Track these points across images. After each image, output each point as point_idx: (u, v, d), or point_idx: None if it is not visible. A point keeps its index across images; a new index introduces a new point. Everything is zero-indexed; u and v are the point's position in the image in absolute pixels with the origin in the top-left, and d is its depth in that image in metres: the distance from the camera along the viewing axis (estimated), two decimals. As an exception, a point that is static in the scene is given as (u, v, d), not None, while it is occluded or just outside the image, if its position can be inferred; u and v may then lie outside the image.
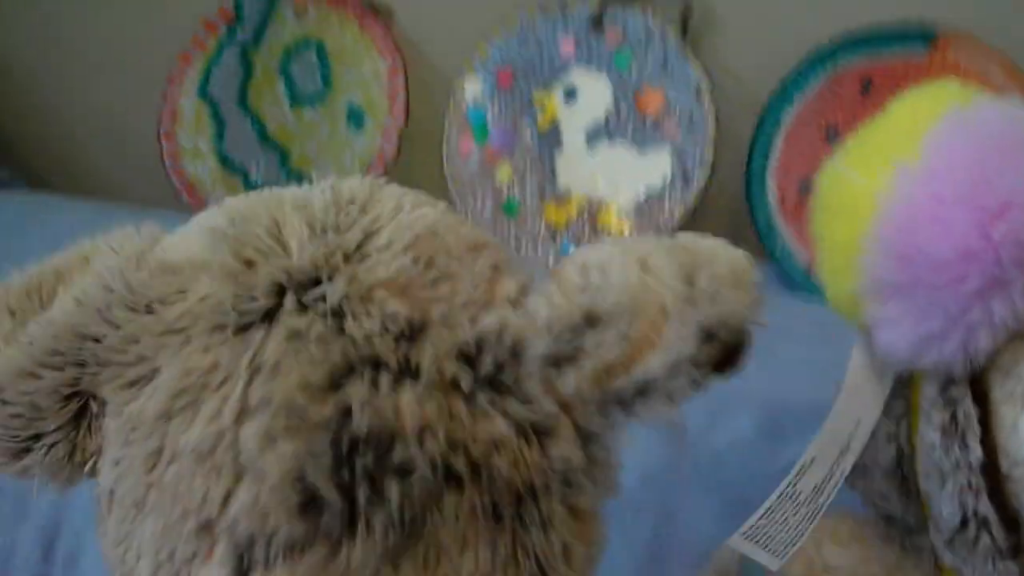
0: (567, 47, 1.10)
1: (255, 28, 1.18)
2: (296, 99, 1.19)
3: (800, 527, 0.45)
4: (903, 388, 0.46)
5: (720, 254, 0.36)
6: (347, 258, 0.36)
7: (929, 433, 0.43)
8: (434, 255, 0.37)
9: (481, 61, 1.13)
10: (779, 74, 1.05)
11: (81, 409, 0.38)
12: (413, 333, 0.35)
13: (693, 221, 1.09)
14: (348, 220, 0.37)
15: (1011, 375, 0.43)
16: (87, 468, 0.40)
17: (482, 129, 1.12)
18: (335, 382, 0.33)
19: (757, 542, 0.45)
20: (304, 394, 0.33)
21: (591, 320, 0.34)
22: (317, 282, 0.35)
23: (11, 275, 0.42)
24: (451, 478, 0.34)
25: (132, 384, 0.37)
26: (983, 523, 0.44)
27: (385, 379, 0.34)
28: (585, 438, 0.35)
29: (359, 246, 0.36)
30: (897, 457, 0.47)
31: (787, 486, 0.45)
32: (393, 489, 0.33)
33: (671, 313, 0.34)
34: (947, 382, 0.43)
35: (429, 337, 0.35)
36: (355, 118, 1.16)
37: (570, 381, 0.34)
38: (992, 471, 0.44)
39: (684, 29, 1.06)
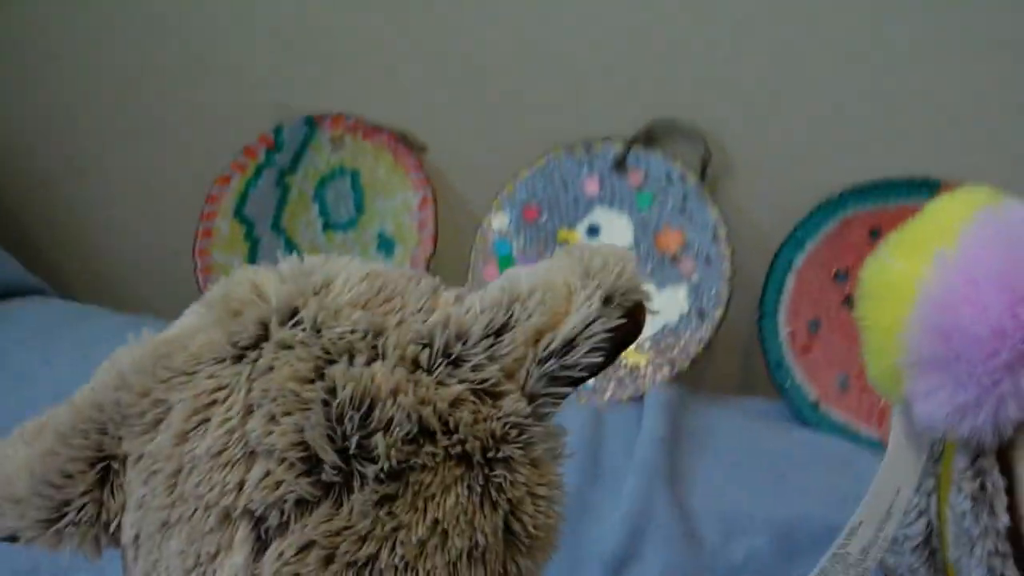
0: (591, 186, 1.16)
1: (293, 154, 1.25)
2: (329, 224, 1.26)
3: (850, 586, 0.48)
4: (933, 465, 0.50)
5: (599, 246, 0.45)
6: (315, 292, 0.44)
7: (960, 502, 0.48)
8: (383, 284, 0.45)
9: (508, 196, 1.19)
10: (792, 219, 1.11)
11: (104, 474, 0.44)
12: (377, 334, 0.42)
13: (707, 356, 1.14)
14: (310, 270, 0.45)
15: (1034, 452, 0.47)
16: (112, 528, 0.45)
17: (507, 259, 1.18)
18: (319, 371, 0.40)
19: None
20: (295, 382, 0.40)
21: (514, 299, 0.43)
22: (294, 312, 0.43)
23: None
24: (424, 431, 0.40)
25: (150, 427, 0.43)
26: (1010, 587, 0.47)
27: (359, 359, 0.41)
28: (530, 397, 0.42)
29: (324, 283, 0.44)
30: (927, 532, 0.51)
31: (838, 548, 0.49)
32: (379, 442, 0.39)
33: (575, 286, 0.43)
34: (977, 454, 0.47)
35: (390, 334, 0.42)
36: (385, 245, 1.22)
37: (507, 346, 0.42)
38: (1017, 541, 0.48)
39: (703, 174, 1.13)
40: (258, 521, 0.39)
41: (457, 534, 0.40)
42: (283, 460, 0.39)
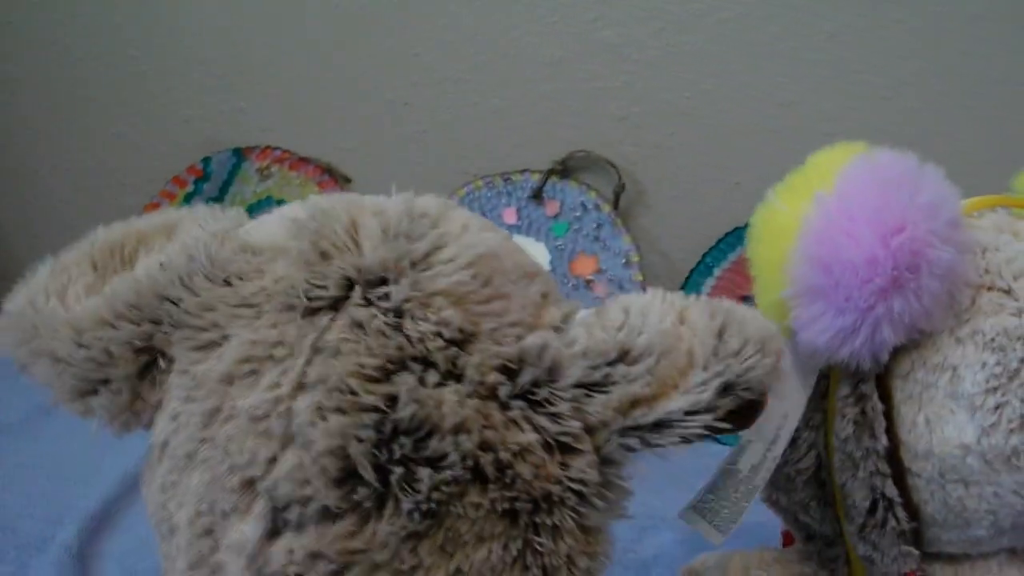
0: (509, 216, 1.20)
1: (221, 184, 1.28)
2: (254, 253, 1.27)
3: (739, 504, 0.52)
4: (820, 400, 0.54)
5: (751, 319, 0.39)
6: (413, 264, 0.39)
7: (844, 427, 0.51)
8: (492, 275, 0.40)
9: (430, 226, 1.22)
10: (701, 247, 1.16)
11: (149, 363, 0.42)
12: (463, 341, 0.38)
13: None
14: (419, 231, 0.40)
15: (909, 379, 0.52)
16: (144, 418, 0.43)
17: (427, 286, 1.20)
18: (387, 373, 0.36)
19: (704, 516, 0.52)
20: (357, 378, 0.36)
21: (624, 354, 0.38)
22: (383, 282, 0.38)
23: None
24: (477, 476, 0.36)
25: (202, 347, 0.40)
26: (889, 505, 0.51)
27: (432, 377, 0.37)
28: (603, 461, 0.38)
29: (426, 255, 0.39)
30: (816, 465, 0.55)
31: (728, 464, 0.52)
32: (425, 476, 0.35)
33: (698, 362, 0.37)
34: (857, 381, 0.51)
35: (477, 347, 0.38)
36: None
37: (597, 406, 0.37)
38: (896, 467, 0.52)
39: (616, 203, 1.18)
40: (279, 508, 0.37)
41: None
42: (318, 461, 0.36)
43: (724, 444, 0.53)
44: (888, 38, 1.09)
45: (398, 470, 0.35)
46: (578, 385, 0.37)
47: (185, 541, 0.39)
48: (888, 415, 0.51)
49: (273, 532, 0.37)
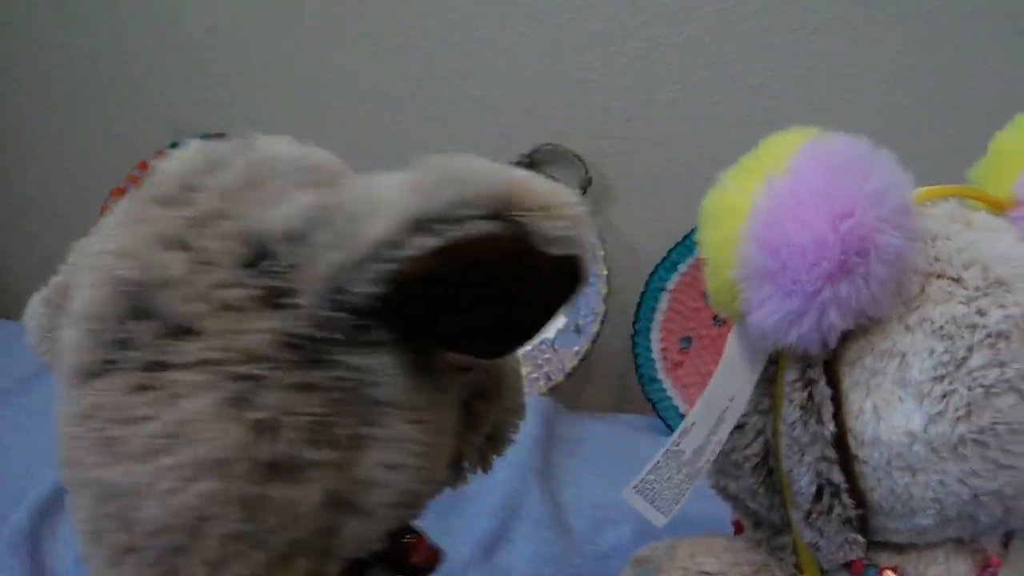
0: (477, 208, 1.20)
1: (187, 171, 1.27)
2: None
3: (682, 486, 0.51)
4: (769, 386, 0.54)
5: (470, 161, 0.38)
6: (207, 171, 0.43)
7: (791, 412, 0.51)
8: (267, 173, 0.42)
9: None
10: (667, 242, 1.16)
11: None
12: (207, 220, 0.41)
13: (582, 369, 1.17)
14: (224, 147, 0.45)
15: (857, 366, 0.51)
16: None
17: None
18: (138, 249, 0.41)
19: (646, 497, 0.51)
20: (114, 256, 0.41)
21: (325, 208, 0.40)
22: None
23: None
24: (186, 331, 0.39)
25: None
26: (836, 492, 0.51)
27: (171, 244, 0.41)
28: (314, 320, 0.39)
29: (221, 165, 0.44)
30: (764, 451, 0.55)
31: (671, 445, 0.52)
32: (142, 331, 0.39)
33: (395, 204, 0.37)
34: (805, 366, 0.51)
35: (216, 222, 0.41)
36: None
37: (298, 255, 0.39)
38: (843, 453, 0.52)
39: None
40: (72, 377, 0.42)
41: (197, 440, 0.38)
42: (79, 327, 0.41)
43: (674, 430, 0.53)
44: (879, 32, 1.09)
45: (130, 326, 0.40)
46: (287, 240, 0.39)
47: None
48: (836, 401, 0.51)
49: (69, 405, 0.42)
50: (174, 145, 1.27)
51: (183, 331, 0.39)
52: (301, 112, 1.27)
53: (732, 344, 0.52)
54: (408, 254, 0.36)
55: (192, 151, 0.45)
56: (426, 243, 0.36)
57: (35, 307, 0.51)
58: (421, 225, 0.36)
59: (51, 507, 0.88)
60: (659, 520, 0.51)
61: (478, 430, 0.50)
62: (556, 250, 0.37)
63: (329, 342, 0.39)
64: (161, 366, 0.39)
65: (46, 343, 0.50)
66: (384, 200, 0.38)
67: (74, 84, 1.33)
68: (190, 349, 0.39)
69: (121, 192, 1.27)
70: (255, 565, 0.41)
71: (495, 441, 0.52)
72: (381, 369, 0.41)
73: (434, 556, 0.50)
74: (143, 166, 1.28)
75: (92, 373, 0.40)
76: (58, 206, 1.41)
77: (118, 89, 1.31)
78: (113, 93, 1.31)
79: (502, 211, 0.36)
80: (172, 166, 0.45)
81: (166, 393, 0.39)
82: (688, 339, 1.16)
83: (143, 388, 0.39)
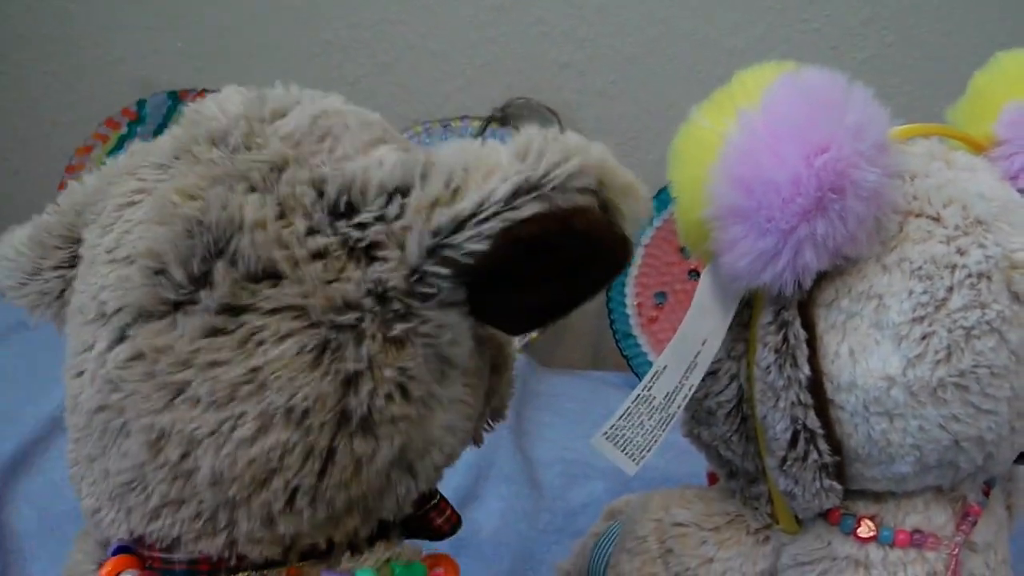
0: (448, 163, 1.18)
1: (156, 127, 1.25)
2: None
3: (654, 432, 0.50)
4: (743, 330, 0.52)
5: (566, 136, 0.39)
6: (262, 120, 0.42)
7: (765, 356, 0.50)
8: (331, 124, 0.42)
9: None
10: (641, 196, 1.14)
11: (76, 255, 0.46)
12: (283, 166, 0.40)
13: (558, 325, 1.15)
14: (275, 98, 0.44)
15: (832, 308, 0.50)
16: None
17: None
18: (205, 190, 0.40)
19: (616, 444, 0.50)
20: (179, 195, 0.40)
21: (427, 165, 0.39)
22: (228, 135, 0.42)
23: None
24: (272, 275, 0.38)
25: (96, 218, 0.44)
26: (811, 438, 0.49)
27: (242, 186, 0.39)
28: (412, 272, 0.39)
29: (275, 114, 0.43)
30: (738, 397, 0.53)
31: (642, 390, 0.50)
32: (220, 272, 0.38)
33: (502, 165, 0.38)
34: (780, 308, 0.49)
35: (293, 169, 0.40)
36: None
37: (396, 208, 0.38)
38: (819, 398, 0.50)
39: (557, 151, 1.15)
40: (116, 321, 0.40)
41: (276, 388, 0.38)
42: (139, 266, 0.39)
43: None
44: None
45: (196, 267, 0.38)
46: (380, 194, 0.39)
47: (66, 388, 0.43)
48: (811, 344, 0.49)
49: (111, 349, 0.40)
50: (141, 102, 1.24)
51: (265, 275, 0.38)
52: (264, 65, 1.25)
53: (704, 286, 0.50)
54: (517, 215, 0.37)
55: (238, 96, 0.44)
56: (534, 207, 0.37)
57: (15, 247, 0.48)
58: (530, 189, 0.37)
59: (15, 465, 0.87)
60: (630, 468, 0.50)
61: (488, 402, 0.50)
62: (626, 230, 0.39)
63: (420, 297, 0.39)
64: (239, 310, 0.38)
65: (32, 286, 0.47)
66: (487, 162, 0.38)
67: (42, 40, 1.29)
68: (273, 294, 0.38)
69: (88, 150, 1.24)
70: (310, 522, 0.41)
71: (493, 414, 0.52)
72: (458, 329, 0.41)
73: (456, 519, 0.50)
74: (110, 123, 1.25)
75: (150, 314, 0.39)
76: (23, 165, 1.37)
77: (82, 45, 1.28)
78: (76, 49, 1.28)
79: (596, 186, 0.38)
80: (224, 109, 0.43)
81: (246, 338, 0.38)
82: (663, 294, 1.15)
83: (218, 332, 0.38)
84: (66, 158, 1.26)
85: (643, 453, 0.50)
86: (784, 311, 0.49)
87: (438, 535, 0.50)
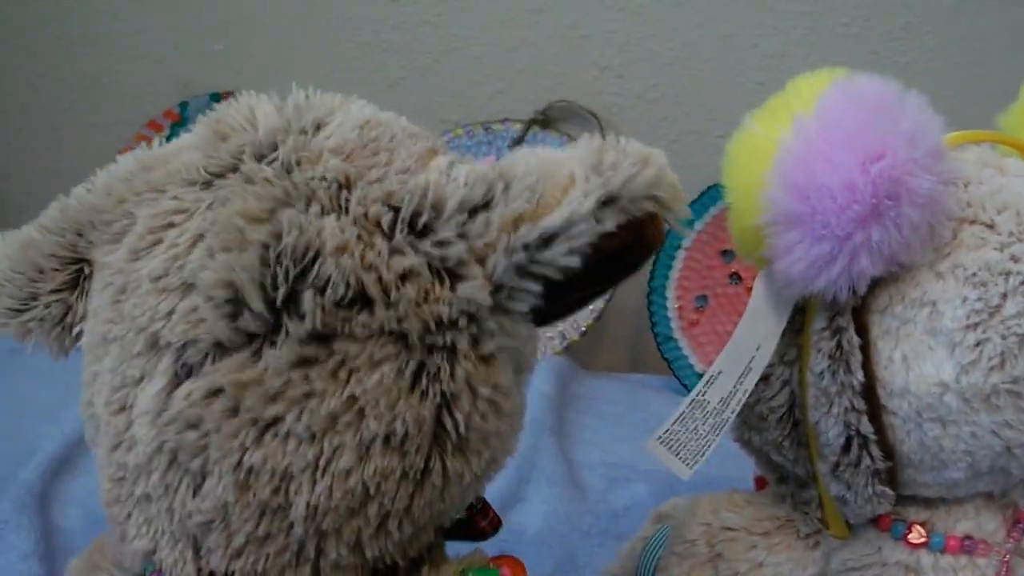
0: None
1: (196, 130, 1.25)
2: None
3: (707, 437, 0.50)
4: (796, 336, 0.52)
5: (630, 144, 0.40)
6: (303, 131, 0.41)
7: (819, 361, 0.50)
8: (378, 134, 0.41)
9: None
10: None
11: (77, 277, 0.44)
12: (347, 184, 0.39)
13: (597, 328, 1.16)
14: (312, 107, 0.43)
15: (887, 314, 0.50)
16: (76, 331, 0.45)
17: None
18: (271, 213, 0.38)
19: (670, 448, 0.50)
20: (244, 218, 0.37)
21: (504, 179, 0.39)
22: (274, 148, 0.41)
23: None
24: (363, 300, 0.37)
25: (115, 239, 0.42)
26: (864, 443, 0.49)
27: (315, 209, 0.38)
28: (496, 287, 0.39)
29: (316, 123, 0.41)
30: (790, 402, 0.53)
31: (697, 395, 0.50)
32: (309, 300, 0.36)
33: (579, 178, 0.38)
34: (834, 314, 0.49)
35: (358, 188, 0.39)
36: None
37: (480, 226, 0.38)
38: (872, 404, 0.50)
39: (597, 154, 1.16)
40: (180, 355, 0.38)
41: (375, 416, 0.37)
42: (210, 298, 0.37)
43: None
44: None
45: (281, 296, 0.36)
46: (460, 211, 0.38)
47: (105, 424, 0.41)
48: (865, 350, 0.50)
49: (175, 384, 0.38)
50: (184, 104, 1.25)
51: (354, 301, 0.37)
52: (303, 67, 1.25)
53: (758, 292, 0.50)
54: (603, 229, 0.37)
55: (266, 105, 0.43)
56: (615, 219, 0.38)
57: (2, 271, 0.45)
58: (609, 201, 0.37)
59: (60, 466, 0.88)
60: (684, 472, 0.50)
61: None
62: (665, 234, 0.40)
63: (506, 312, 0.39)
64: (329, 338, 0.37)
65: (30, 313, 0.45)
66: (562, 174, 0.38)
67: (82, 41, 1.30)
68: (366, 320, 0.37)
69: (129, 151, 1.25)
70: (396, 543, 0.40)
71: None
72: (529, 339, 0.41)
73: (498, 521, 0.50)
74: (152, 125, 1.26)
75: (227, 348, 0.37)
76: (65, 167, 1.39)
77: (121, 45, 1.29)
78: (116, 49, 1.29)
79: (656, 192, 0.39)
80: (254, 119, 0.42)
81: (338, 366, 0.37)
82: (704, 297, 1.15)
83: (309, 362, 0.37)
84: (106, 160, 1.27)
85: (697, 458, 0.50)
86: (838, 317, 0.49)
87: (481, 536, 0.50)
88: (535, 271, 0.38)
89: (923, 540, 0.53)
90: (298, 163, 0.39)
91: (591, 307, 1.14)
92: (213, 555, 0.39)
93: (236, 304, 0.37)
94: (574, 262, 0.37)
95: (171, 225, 0.40)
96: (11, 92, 1.34)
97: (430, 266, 0.38)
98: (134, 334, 0.39)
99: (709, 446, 0.50)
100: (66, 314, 0.44)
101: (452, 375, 0.38)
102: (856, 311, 0.50)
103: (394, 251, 0.38)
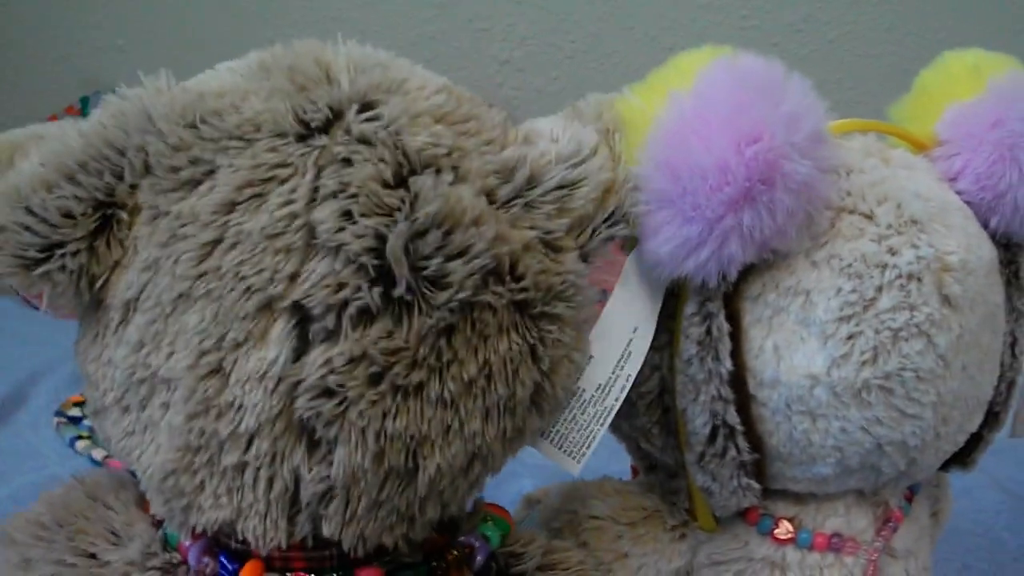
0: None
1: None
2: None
3: (590, 428, 0.48)
4: (668, 320, 0.51)
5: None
6: (389, 91, 0.40)
7: (687, 347, 0.48)
8: (460, 102, 0.42)
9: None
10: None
11: (105, 221, 0.40)
12: (460, 154, 0.40)
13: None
14: (384, 63, 0.42)
15: (759, 302, 0.49)
16: (98, 283, 0.40)
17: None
18: (401, 179, 0.37)
19: (554, 443, 0.48)
20: (377, 183, 0.37)
21: (586, 150, 0.43)
22: (371, 105, 0.39)
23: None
24: (495, 271, 0.38)
25: (181, 186, 0.39)
26: (730, 434, 0.48)
27: (445, 177, 0.38)
28: (584, 256, 0.42)
29: (399, 83, 0.41)
30: (659, 388, 0.51)
31: (569, 386, 0.48)
32: (457, 269, 0.37)
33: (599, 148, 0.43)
34: (704, 299, 0.48)
35: (469, 157, 0.40)
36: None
37: (579, 200, 0.42)
38: (741, 393, 0.49)
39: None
40: (304, 320, 0.37)
41: (501, 381, 0.39)
42: (353, 263, 0.36)
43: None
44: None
45: (432, 263, 0.37)
46: (559, 187, 0.41)
47: (186, 389, 0.38)
48: (735, 338, 0.48)
49: (302, 350, 0.37)
50: (84, 100, 1.22)
51: (492, 271, 0.38)
52: (210, 60, 1.22)
53: (628, 273, 0.48)
54: None
55: (341, 59, 0.41)
56: None
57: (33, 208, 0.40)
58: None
59: None
60: (572, 468, 0.48)
61: None
62: None
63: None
64: (469, 307, 0.38)
65: (51, 263, 0.39)
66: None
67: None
68: (497, 289, 0.38)
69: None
70: (474, 495, 0.43)
71: None
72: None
73: (505, 516, 0.50)
74: (53, 120, 1.22)
75: (372, 315, 0.37)
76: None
77: (23, 41, 1.26)
78: (17, 45, 1.26)
79: None
80: (328, 71, 0.40)
81: (476, 335, 0.38)
82: (603, 292, 1.13)
83: (452, 329, 0.38)
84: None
85: (583, 450, 0.48)
86: (709, 302, 0.48)
87: None
88: (604, 238, 0.43)
89: (790, 536, 0.52)
90: (402, 125, 0.39)
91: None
92: (329, 523, 0.39)
93: (382, 271, 0.36)
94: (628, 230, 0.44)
95: (274, 179, 0.38)
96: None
97: (544, 240, 0.40)
98: (240, 293, 0.37)
99: (594, 437, 0.48)
100: (89, 264, 0.40)
101: (561, 342, 0.40)
102: (729, 297, 0.48)
103: (514, 222, 0.39)
